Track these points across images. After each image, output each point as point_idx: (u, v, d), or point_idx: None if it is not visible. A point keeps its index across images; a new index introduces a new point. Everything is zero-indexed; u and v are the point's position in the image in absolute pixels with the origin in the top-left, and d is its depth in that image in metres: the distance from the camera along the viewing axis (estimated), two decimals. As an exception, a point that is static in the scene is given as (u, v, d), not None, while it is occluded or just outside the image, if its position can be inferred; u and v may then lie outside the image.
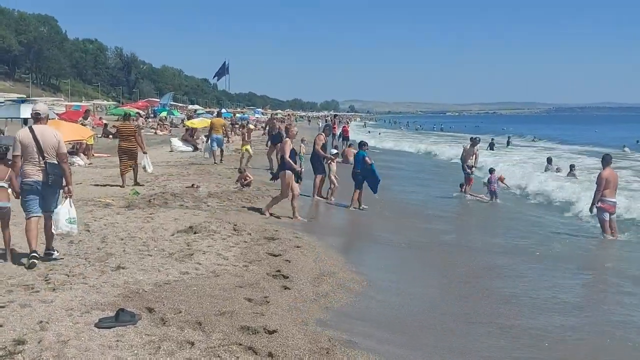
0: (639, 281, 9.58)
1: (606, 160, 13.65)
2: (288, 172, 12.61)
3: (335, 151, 18.63)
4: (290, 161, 12.55)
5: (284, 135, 14.80)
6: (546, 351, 6.33)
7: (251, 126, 29.44)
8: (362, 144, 16.74)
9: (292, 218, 12.53)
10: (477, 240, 12.88)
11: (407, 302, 7.84)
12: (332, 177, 16.56)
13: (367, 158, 15.61)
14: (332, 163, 16.85)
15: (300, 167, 13.49)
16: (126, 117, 18.18)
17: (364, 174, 15.38)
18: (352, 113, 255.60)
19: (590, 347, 6.56)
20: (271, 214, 12.65)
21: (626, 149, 45.53)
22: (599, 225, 13.36)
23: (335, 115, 68.60)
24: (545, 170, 26.39)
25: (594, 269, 10.96)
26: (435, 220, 15.02)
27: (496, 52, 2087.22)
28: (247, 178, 16.56)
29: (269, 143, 23.01)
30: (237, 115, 73.52)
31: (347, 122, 53.41)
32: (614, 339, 6.78)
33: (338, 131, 38.20)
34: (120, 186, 15.82)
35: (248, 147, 22.46)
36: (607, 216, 13.17)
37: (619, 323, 7.39)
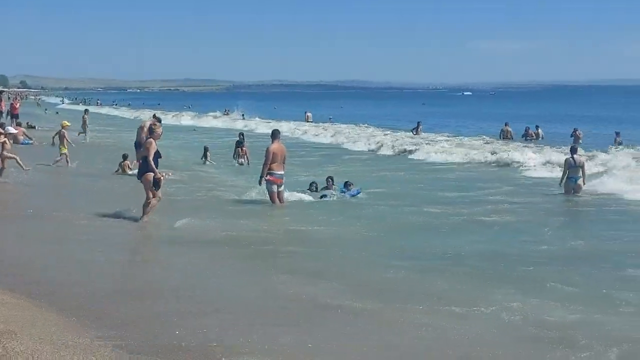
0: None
1: (274, 135, 14.38)
2: (150, 174, 11.73)
3: (12, 130, 17.88)
4: (153, 164, 11.69)
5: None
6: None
7: None
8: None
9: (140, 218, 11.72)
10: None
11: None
12: (6, 154, 15.65)
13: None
14: (6, 144, 15.89)
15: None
16: None
17: None
18: (25, 90, 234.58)
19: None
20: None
21: (540, 130, 34.13)
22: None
23: (1, 92, 62.45)
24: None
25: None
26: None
27: (176, 29, 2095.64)
28: None
29: None
30: None
31: (16, 99, 49.17)
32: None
33: (5, 108, 35.59)
34: None
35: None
36: (275, 188, 13.88)
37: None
